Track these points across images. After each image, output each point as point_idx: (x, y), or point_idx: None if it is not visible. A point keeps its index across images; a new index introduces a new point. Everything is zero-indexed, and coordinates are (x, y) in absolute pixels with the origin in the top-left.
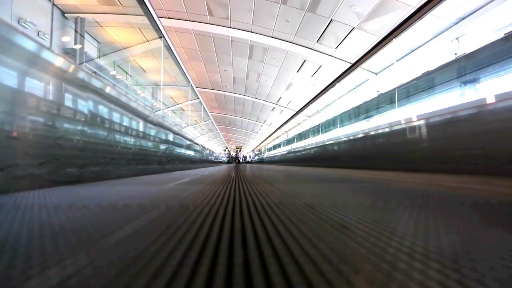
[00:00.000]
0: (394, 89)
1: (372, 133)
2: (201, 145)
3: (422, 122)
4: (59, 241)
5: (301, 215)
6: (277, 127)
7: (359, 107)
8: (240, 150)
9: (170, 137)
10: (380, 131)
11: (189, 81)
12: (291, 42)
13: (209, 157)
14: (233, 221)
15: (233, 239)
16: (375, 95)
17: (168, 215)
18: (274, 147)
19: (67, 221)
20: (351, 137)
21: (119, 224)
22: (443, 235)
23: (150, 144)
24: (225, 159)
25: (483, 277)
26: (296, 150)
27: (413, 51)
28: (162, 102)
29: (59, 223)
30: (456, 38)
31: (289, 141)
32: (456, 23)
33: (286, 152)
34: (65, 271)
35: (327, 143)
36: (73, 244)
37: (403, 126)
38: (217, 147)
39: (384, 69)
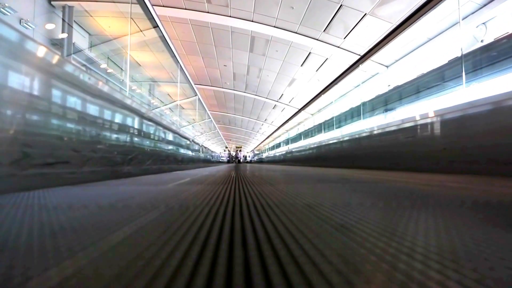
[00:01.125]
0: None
1: (377, 131)
2: (192, 139)
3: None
4: (59, 242)
5: (301, 215)
6: (278, 126)
7: (364, 104)
8: (240, 150)
9: (134, 122)
10: (391, 128)
11: (185, 74)
12: (296, 32)
13: (207, 157)
14: (233, 221)
15: (233, 239)
16: (386, 90)
17: (168, 215)
18: (275, 147)
19: (67, 221)
20: (356, 136)
21: (119, 224)
22: (443, 235)
23: (87, 129)
24: (225, 158)
25: (483, 277)
26: (297, 149)
27: (431, 39)
28: (157, 98)
29: (59, 223)
30: (483, 23)
31: (290, 141)
32: (484, 5)
33: (287, 151)
34: (65, 271)
35: (329, 142)
36: (73, 245)
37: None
38: (216, 147)
39: (397, 61)
